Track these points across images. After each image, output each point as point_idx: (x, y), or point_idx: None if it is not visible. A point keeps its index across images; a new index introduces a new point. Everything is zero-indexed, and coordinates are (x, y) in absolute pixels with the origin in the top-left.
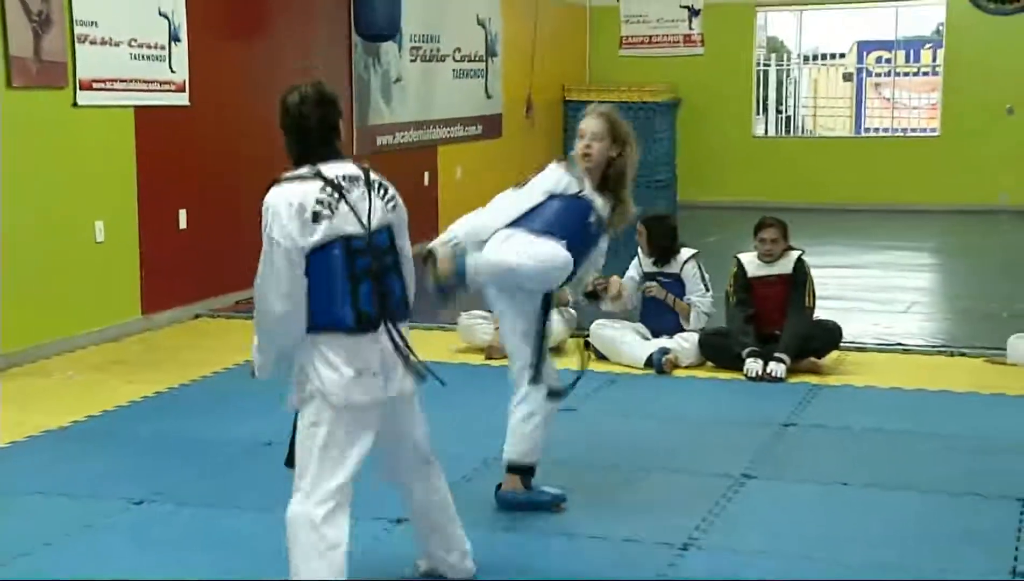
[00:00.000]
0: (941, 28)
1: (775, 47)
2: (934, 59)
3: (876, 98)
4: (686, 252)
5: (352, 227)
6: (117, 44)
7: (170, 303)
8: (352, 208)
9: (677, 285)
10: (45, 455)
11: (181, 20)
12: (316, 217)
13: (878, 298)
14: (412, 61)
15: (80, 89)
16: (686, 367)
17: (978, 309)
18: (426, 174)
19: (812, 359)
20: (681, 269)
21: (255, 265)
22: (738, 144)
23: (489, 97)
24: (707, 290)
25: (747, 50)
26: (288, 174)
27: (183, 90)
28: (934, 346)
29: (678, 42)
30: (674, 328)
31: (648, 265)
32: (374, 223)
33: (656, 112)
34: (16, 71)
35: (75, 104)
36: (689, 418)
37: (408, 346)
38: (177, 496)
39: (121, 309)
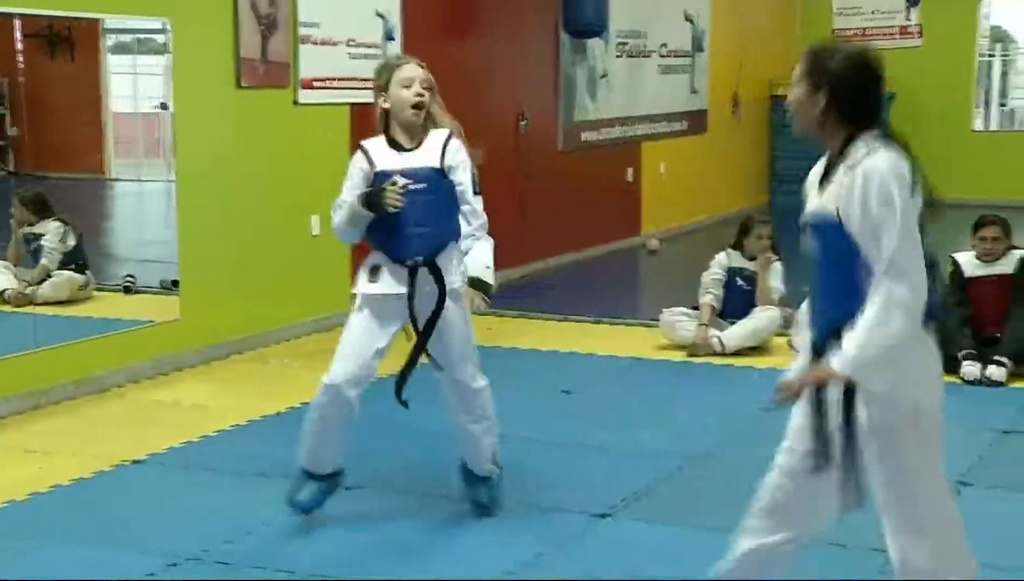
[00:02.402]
0: None
1: (999, 37)
2: None
3: None
4: None
5: None
6: (336, 44)
7: None
8: None
9: None
10: (265, 439)
11: (396, 20)
12: (913, 187)
13: None
14: (618, 57)
15: (301, 88)
16: None
17: None
18: (629, 170)
19: None
20: None
21: None
22: (955, 139)
23: (694, 93)
24: None
25: (969, 41)
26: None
27: None
28: None
29: (894, 34)
30: None
31: None
32: None
33: None
34: (245, 72)
35: (296, 102)
36: None
37: None
38: (388, 483)
39: (333, 300)
